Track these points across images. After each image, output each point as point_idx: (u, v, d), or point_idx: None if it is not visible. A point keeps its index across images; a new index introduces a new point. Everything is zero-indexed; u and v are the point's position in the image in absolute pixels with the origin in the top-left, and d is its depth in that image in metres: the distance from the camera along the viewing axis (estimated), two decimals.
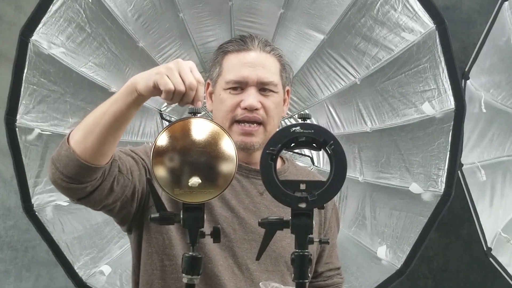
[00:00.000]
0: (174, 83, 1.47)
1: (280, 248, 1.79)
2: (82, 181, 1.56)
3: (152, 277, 1.74)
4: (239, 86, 1.80)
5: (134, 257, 1.81)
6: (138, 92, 1.52)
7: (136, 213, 1.72)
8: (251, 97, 1.79)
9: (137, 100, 1.53)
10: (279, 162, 1.93)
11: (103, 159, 1.56)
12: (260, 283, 1.55)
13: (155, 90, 1.49)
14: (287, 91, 1.92)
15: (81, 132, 1.56)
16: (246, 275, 1.76)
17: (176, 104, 1.50)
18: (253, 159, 1.83)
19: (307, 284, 1.29)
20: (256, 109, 1.79)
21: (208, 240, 1.40)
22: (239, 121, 1.80)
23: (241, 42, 1.84)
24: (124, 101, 1.53)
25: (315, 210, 1.87)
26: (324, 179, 1.31)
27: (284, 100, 1.90)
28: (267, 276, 1.77)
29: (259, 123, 1.80)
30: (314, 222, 1.85)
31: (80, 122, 1.60)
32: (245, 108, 1.78)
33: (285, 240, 1.78)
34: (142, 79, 1.51)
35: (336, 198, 2.01)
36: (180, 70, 1.48)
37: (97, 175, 1.57)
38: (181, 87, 1.47)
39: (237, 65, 1.82)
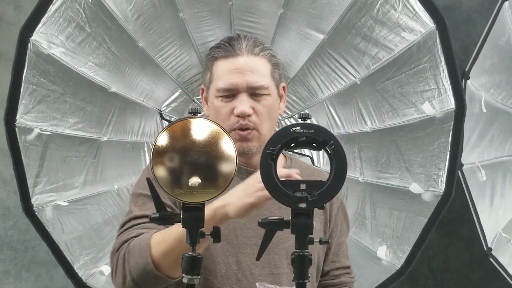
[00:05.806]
0: None
1: (282, 250, 1.79)
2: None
3: None
4: (230, 93, 1.80)
5: None
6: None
7: None
8: (242, 104, 1.78)
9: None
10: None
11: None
12: (257, 283, 1.56)
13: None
14: (283, 87, 1.91)
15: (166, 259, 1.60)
16: (250, 281, 1.75)
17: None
18: (252, 162, 1.84)
19: (310, 284, 1.29)
20: (249, 115, 1.79)
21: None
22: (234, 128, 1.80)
23: (229, 47, 1.82)
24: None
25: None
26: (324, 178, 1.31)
27: (281, 97, 1.89)
28: (273, 280, 1.77)
29: (252, 128, 1.80)
30: (318, 221, 1.87)
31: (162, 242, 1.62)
32: (238, 116, 1.78)
33: (287, 242, 1.78)
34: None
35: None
36: None
37: None
38: None
39: (226, 72, 1.80)
